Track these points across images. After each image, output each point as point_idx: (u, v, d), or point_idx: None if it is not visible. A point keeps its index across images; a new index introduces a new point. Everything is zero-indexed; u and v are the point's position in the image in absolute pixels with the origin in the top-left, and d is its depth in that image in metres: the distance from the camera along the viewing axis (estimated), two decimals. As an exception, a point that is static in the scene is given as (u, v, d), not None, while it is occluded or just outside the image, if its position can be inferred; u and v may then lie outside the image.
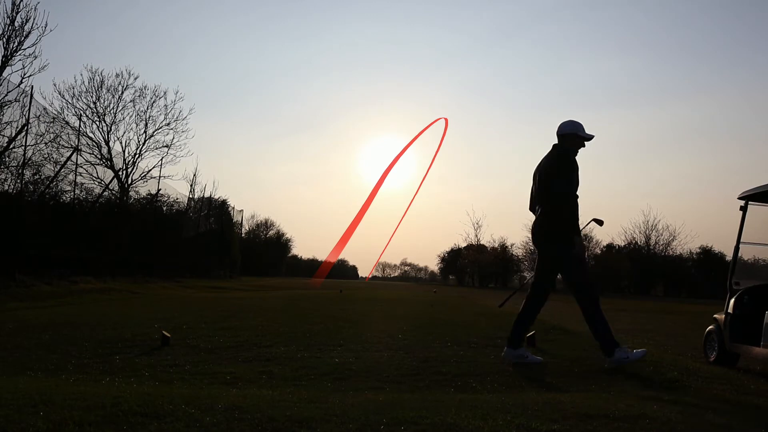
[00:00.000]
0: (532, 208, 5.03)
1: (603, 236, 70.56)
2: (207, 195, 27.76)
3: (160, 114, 22.30)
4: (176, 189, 24.42)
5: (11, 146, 12.57)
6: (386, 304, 12.77)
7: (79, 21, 69.28)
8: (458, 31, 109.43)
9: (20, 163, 12.90)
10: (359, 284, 41.57)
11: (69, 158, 15.61)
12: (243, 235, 39.77)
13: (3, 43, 12.79)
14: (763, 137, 71.86)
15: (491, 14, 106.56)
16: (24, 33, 13.01)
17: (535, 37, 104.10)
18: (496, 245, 54.01)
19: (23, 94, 12.89)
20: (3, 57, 12.71)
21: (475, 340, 6.03)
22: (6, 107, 12.37)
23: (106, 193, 19.13)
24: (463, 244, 56.80)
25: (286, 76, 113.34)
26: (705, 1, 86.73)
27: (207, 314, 8.45)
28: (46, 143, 14.47)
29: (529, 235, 52.25)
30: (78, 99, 19.73)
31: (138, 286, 16.11)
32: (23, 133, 12.87)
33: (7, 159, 12.63)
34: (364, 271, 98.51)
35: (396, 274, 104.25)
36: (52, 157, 14.83)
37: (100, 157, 19.76)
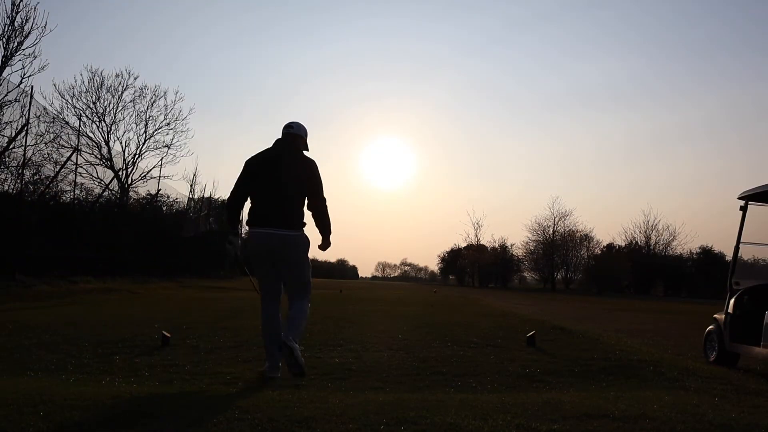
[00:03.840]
0: None
1: (603, 236, 70.58)
2: (207, 195, 27.78)
3: (160, 114, 22.26)
4: (176, 189, 24.39)
5: (11, 146, 12.57)
6: (386, 304, 12.78)
7: (79, 21, 69.26)
8: (461, 31, 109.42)
9: (20, 163, 12.90)
10: (359, 284, 41.58)
11: (69, 158, 15.61)
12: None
13: (3, 43, 12.78)
14: (764, 137, 71.92)
15: (493, 14, 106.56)
16: (24, 33, 12.99)
17: (539, 37, 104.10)
18: (496, 245, 54.01)
19: (23, 94, 12.90)
20: (3, 57, 12.71)
21: (475, 340, 6.03)
22: (6, 107, 12.37)
23: (106, 193, 19.13)
24: (463, 244, 56.78)
25: (286, 76, 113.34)
26: (710, 0, 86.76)
27: (207, 314, 8.45)
28: (46, 143, 14.49)
29: (529, 235, 52.49)
30: (78, 99, 19.70)
31: (138, 286, 16.09)
32: (23, 133, 12.88)
33: (7, 159, 12.64)
34: (364, 271, 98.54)
35: (396, 274, 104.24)
36: (52, 157, 14.85)
37: (100, 157, 19.74)
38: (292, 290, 4.21)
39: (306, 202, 4.25)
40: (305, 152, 4.36)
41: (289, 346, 3.85)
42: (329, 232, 4.36)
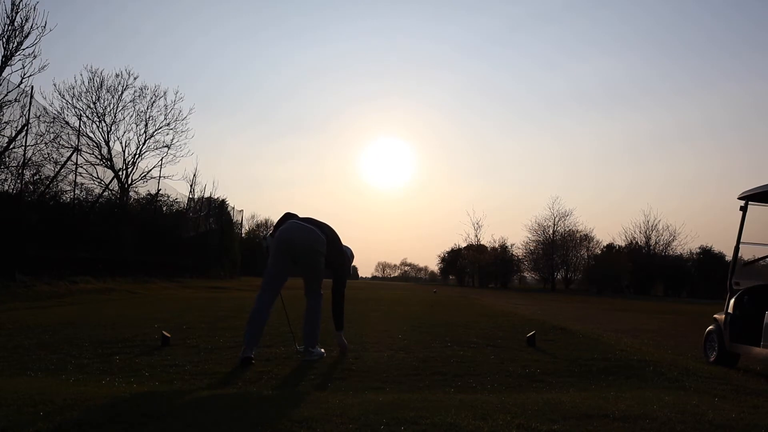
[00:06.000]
0: None
1: (603, 236, 70.53)
2: (207, 195, 27.73)
3: (160, 114, 22.28)
4: (176, 189, 24.39)
5: (11, 146, 12.56)
6: (386, 304, 12.77)
7: (79, 21, 69.28)
8: (461, 31, 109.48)
9: (20, 163, 12.89)
10: (359, 284, 41.57)
11: (69, 158, 15.59)
12: (243, 235, 39.71)
13: (3, 43, 12.77)
14: (764, 137, 71.90)
15: (493, 15, 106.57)
16: (24, 33, 12.98)
17: (538, 37, 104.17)
18: (496, 245, 54.01)
19: (23, 94, 12.88)
20: (3, 57, 12.70)
21: (475, 340, 6.03)
22: (6, 107, 12.35)
23: (106, 193, 19.10)
24: (463, 244, 56.78)
25: (286, 76, 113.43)
26: (710, 0, 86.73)
27: (207, 314, 8.45)
28: (46, 143, 14.46)
29: (529, 235, 52.50)
30: (78, 99, 19.70)
31: (138, 286, 16.10)
32: (23, 133, 12.86)
33: (7, 159, 12.62)
34: (365, 271, 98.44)
35: (396, 274, 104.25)
36: (52, 157, 14.81)
37: (100, 157, 19.73)
38: (309, 285, 4.86)
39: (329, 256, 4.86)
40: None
41: (311, 359, 4.56)
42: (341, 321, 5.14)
